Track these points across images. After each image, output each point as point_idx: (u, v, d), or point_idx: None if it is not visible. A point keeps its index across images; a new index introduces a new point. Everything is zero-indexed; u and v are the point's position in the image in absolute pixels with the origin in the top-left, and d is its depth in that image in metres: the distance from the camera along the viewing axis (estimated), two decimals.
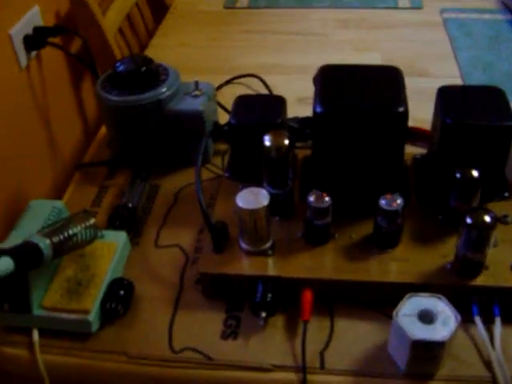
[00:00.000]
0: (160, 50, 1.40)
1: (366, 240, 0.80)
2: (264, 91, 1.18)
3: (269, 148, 0.78)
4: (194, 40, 1.45)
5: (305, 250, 0.79)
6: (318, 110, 0.76)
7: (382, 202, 0.75)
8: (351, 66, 0.84)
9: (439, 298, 0.70)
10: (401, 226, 0.77)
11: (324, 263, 0.78)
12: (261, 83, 1.21)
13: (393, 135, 0.77)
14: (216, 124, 0.97)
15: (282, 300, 0.76)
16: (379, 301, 0.76)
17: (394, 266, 0.76)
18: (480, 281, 0.74)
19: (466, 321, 0.73)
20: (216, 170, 1.01)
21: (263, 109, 0.88)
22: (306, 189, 0.79)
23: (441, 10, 1.49)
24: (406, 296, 0.70)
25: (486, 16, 1.43)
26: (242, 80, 1.24)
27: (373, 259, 0.77)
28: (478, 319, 0.74)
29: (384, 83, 0.80)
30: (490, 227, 0.70)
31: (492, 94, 0.83)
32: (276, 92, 1.17)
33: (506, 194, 0.85)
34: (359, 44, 1.36)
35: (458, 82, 1.18)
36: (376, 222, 0.78)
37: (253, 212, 0.75)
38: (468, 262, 0.73)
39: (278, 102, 0.90)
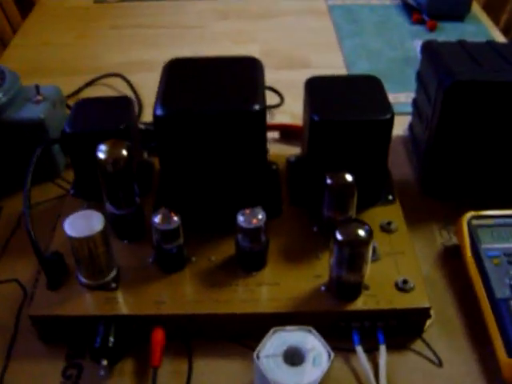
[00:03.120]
0: (20, 50, 1.24)
1: (229, 262, 0.67)
2: (129, 92, 1.04)
3: (103, 161, 0.64)
4: (59, 38, 1.30)
5: (156, 278, 0.67)
6: (158, 112, 0.62)
7: (240, 219, 0.63)
8: (204, 60, 0.72)
9: (309, 332, 0.58)
10: (265, 245, 0.65)
11: (178, 294, 0.65)
12: (126, 83, 1.06)
13: (249, 138, 0.64)
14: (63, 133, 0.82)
15: (129, 342, 0.64)
16: (246, 334, 0.65)
17: (261, 292, 0.65)
18: (359, 304, 0.62)
19: (348, 350, 0.63)
20: (67, 185, 0.86)
21: (106, 113, 0.74)
22: (159, 205, 0.66)
23: None
24: (270, 331, 0.58)
25: (374, 1, 1.33)
26: (106, 80, 1.09)
27: (236, 285, 0.65)
28: (359, 349, 0.62)
29: (239, 78, 0.67)
30: (364, 243, 0.58)
31: (367, 84, 0.72)
32: (143, 92, 1.05)
33: (391, 197, 0.74)
34: (238, 36, 1.24)
35: (342, 72, 1.07)
36: (237, 242, 0.65)
37: (84, 240, 0.61)
38: (344, 284, 0.61)
39: (124, 105, 0.75)
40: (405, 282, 0.64)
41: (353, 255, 0.59)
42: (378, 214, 0.72)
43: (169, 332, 0.64)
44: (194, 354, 0.65)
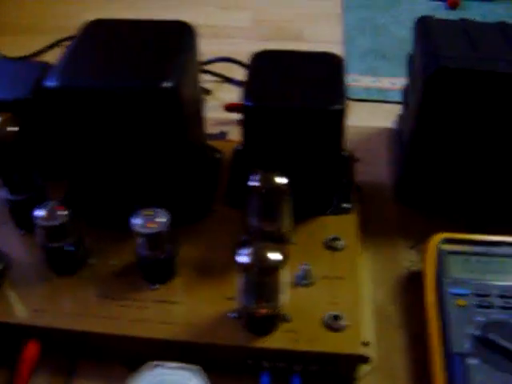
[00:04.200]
0: None
1: (132, 269, 0.54)
2: None
3: None
4: None
5: (46, 280, 0.55)
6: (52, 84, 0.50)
7: (134, 222, 0.50)
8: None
9: (193, 373, 0.44)
10: (171, 254, 0.52)
11: (62, 303, 0.53)
12: None
13: (158, 121, 0.51)
14: None
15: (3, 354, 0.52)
16: (138, 358, 0.50)
17: (157, 311, 0.51)
18: (272, 341, 0.49)
19: None
20: None
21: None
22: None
23: None
24: (151, 364, 0.45)
25: None
26: None
27: (132, 299, 0.52)
28: None
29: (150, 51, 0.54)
30: (272, 269, 0.45)
31: (325, 64, 0.58)
32: None
33: (346, 206, 0.59)
34: (227, 0, 1.09)
35: (336, 48, 0.92)
36: (136, 248, 0.52)
37: None
38: (253, 315, 0.48)
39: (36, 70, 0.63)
40: (336, 318, 0.50)
41: (260, 283, 0.46)
42: (325, 227, 0.58)
43: (50, 346, 0.52)
44: (78, 374, 0.53)
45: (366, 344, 0.52)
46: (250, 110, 0.53)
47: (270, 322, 0.49)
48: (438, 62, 0.56)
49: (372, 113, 0.80)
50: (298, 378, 0.50)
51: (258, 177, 0.51)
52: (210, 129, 0.72)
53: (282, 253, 0.45)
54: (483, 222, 0.64)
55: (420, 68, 0.59)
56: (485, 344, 0.50)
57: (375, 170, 0.71)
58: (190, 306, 0.52)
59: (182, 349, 0.50)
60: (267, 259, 0.45)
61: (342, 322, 0.50)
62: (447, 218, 0.64)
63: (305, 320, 0.51)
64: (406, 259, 0.61)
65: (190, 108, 0.55)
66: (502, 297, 0.53)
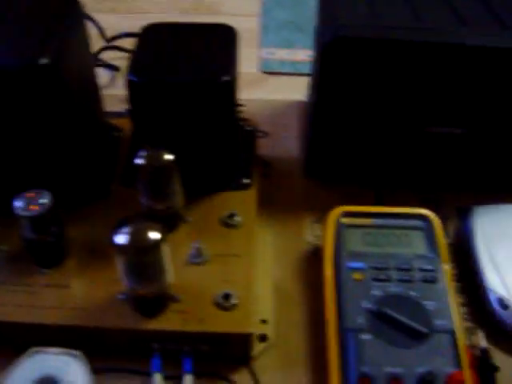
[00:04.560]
0: None
1: (24, 254, 0.52)
2: None
3: None
4: None
5: None
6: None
7: (16, 205, 0.47)
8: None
9: (73, 358, 0.43)
10: (59, 236, 0.50)
11: None
12: None
13: (39, 99, 0.48)
14: None
15: None
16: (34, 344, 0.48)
17: (45, 296, 0.50)
18: (160, 322, 0.47)
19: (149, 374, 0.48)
20: None
21: None
22: None
23: None
24: (30, 351, 0.43)
25: None
26: None
27: (22, 284, 0.51)
28: (156, 377, 0.47)
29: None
30: (148, 249, 0.43)
31: (217, 37, 0.56)
32: None
33: (246, 181, 0.58)
34: None
35: (251, 21, 0.90)
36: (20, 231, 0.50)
37: None
38: (139, 296, 0.46)
39: None
40: (226, 296, 0.48)
41: (139, 264, 0.44)
42: (223, 203, 0.56)
43: None
44: None
45: (263, 322, 0.51)
46: (135, 85, 0.50)
47: (157, 303, 0.48)
48: (335, 31, 0.55)
49: (286, 86, 0.79)
50: (188, 359, 0.49)
51: (144, 154, 0.49)
52: (118, 106, 0.69)
53: (160, 231, 0.43)
54: (391, 194, 0.64)
55: (318, 38, 0.57)
56: (379, 318, 0.49)
57: (286, 144, 0.70)
58: (80, 289, 0.51)
59: (71, 333, 0.48)
60: (143, 239, 0.43)
61: (233, 301, 0.49)
62: (356, 192, 0.63)
63: (196, 300, 0.49)
64: (310, 234, 0.60)
65: (77, 85, 0.52)
66: (399, 269, 0.52)
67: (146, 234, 0.43)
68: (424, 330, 0.48)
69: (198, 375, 0.49)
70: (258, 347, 0.51)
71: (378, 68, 0.55)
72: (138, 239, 0.43)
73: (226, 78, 0.51)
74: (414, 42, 0.53)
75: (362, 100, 0.57)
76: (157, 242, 0.43)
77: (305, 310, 0.54)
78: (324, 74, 0.57)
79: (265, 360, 0.51)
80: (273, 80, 0.82)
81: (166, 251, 0.45)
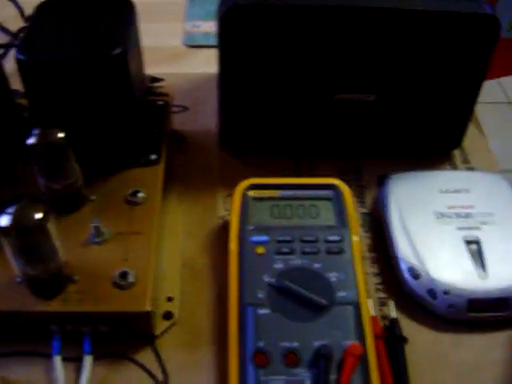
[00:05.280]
0: None
1: None
2: None
3: None
4: None
5: None
6: None
7: None
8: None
9: None
10: None
11: None
12: None
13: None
14: None
15: None
16: None
17: None
18: (55, 304, 0.46)
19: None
20: None
21: None
22: None
23: None
24: None
25: None
26: None
27: None
28: (56, 360, 0.46)
29: None
30: (31, 230, 0.42)
31: (114, 10, 0.54)
32: None
33: (154, 157, 0.57)
34: None
35: None
36: None
37: None
38: (31, 278, 0.45)
39: None
40: (123, 275, 0.48)
41: (25, 245, 0.43)
42: (130, 180, 0.55)
43: None
44: None
45: (169, 299, 0.51)
46: (23, 64, 0.49)
47: (53, 285, 0.47)
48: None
49: (209, 59, 0.77)
50: (87, 340, 0.48)
51: (35, 133, 0.48)
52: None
53: (43, 211, 0.42)
54: (310, 164, 0.63)
55: (219, 8, 0.56)
56: (280, 292, 0.48)
57: (204, 118, 0.69)
58: None
59: None
60: (25, 220, 0.42)
61: (131, 279, 0.48)
62: (275, 164, 0.62)
63: (93, 280, 0.48)
64: (223, 209, 0.59)
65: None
66: (303, 242, 0.52)
67: (28, 214, 0.42)
68: (323, 302, 0.48)
69: (100, 356, 0.48)
70: (162, 325, 0.51)
71: (279, 35, 0.54)
72: (19, 220, 0.42)
73: (118, 51, 0.49)
74: (314, 6, 0.52)
75: (266, 69, 0.57)
76: (39, 223, 0.42)
77: (212, 286, 0.54)
78: (225, 43, 0.56)
79: (170, 338, 0.51)
80: (200, 53, 0.80)
81: (53, 231, 0.44)
